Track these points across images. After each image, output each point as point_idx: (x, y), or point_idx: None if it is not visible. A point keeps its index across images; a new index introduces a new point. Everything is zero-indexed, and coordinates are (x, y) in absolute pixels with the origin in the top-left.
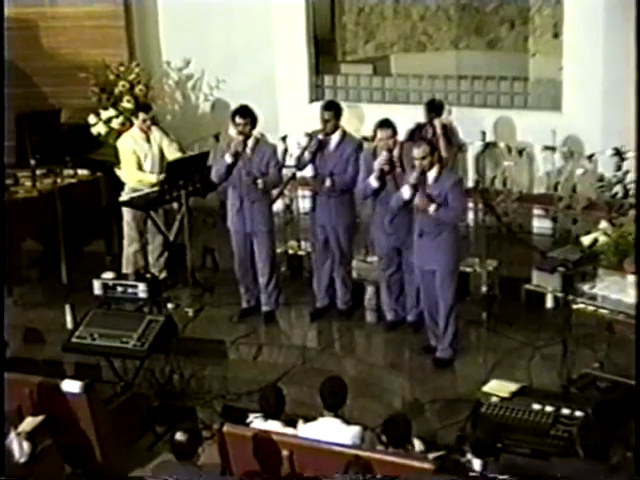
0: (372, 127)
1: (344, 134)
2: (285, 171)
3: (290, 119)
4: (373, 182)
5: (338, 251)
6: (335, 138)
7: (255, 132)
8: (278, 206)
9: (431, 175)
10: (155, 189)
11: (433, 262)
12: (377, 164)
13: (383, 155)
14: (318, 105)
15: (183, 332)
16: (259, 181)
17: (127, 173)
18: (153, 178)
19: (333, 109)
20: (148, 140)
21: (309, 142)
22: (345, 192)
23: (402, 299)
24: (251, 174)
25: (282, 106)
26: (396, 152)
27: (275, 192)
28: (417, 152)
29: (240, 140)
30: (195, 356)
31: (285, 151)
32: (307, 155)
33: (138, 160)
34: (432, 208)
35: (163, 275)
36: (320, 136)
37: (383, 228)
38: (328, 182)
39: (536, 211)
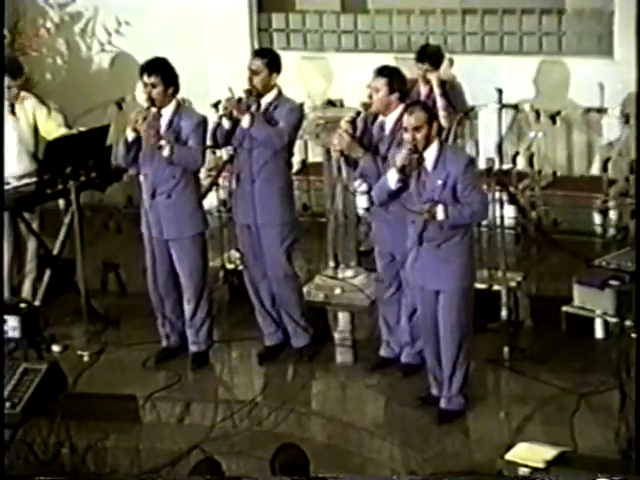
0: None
1: (279, 96)
2: (219, 152)
3: (224, 78)
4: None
5: (272, 264)
6: (266, 100)
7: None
8: (211, 202)
9: (430, 155)
10: (29, 180)
11: (437, 280)
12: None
13: (350, 114)
14: None
15: (75, 385)
16: (163, 142)
17: None
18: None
19: (266, 57)
20: (13, 112)
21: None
22: (277, 174)
23: (398, 331)
24: (164, 159)
25: (213, 60)
26: (392, 118)
27: (205, 182)
28: (409, 121)
29: (146, 108)
30: (93, 420)
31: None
32: (225, 124)
33: None
34: (440, 213)
35: (37, 303)
36: (242, 95)
37: (383, 227)
38: (246, 122)
39: (577, 201)
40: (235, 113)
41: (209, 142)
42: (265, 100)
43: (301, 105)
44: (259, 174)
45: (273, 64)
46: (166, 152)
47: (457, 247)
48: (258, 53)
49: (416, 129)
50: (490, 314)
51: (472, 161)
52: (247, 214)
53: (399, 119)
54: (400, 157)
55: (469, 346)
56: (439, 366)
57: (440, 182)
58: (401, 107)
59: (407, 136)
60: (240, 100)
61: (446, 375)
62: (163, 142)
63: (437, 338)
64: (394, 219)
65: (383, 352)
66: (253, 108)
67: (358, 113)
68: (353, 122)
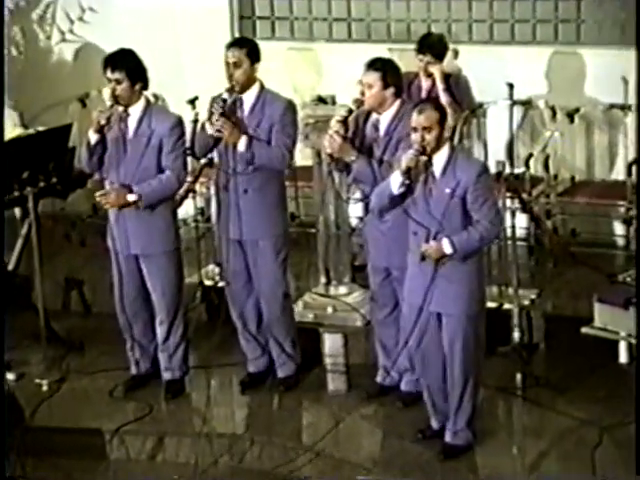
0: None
1: (263, 90)
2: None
3: (202, 71)
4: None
5: (264, 281)
6: (250, 97)
7: (147, 93)
8: (186, 210)
9: (438, 160)
10: None
11: (442, 302)
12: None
13: (341, 112)
14: None
15: (33, 418)
16: (134, 187)
17: None
18: None
19: (245, 46)
20: None
21: (210, 108)
22: (270, 183)
23: (396, 355)
24: (131, 164)
25: (188, 51)
26: (387, 117)
27: (170, 194)
28: (418, 120)
29: (106, 107)
30: (54, 457)
31: (195, 122)
32: (209, 130)
33: None
34: (447, 247)
35: None
36: (226, 95)
37: (378, 238)
38: (242, 145)
39: (598, 209)
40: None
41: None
42: (249, 96)
43: (291, 101)
44: (251, 183)
45: (253, 54)
46: (132, 197)
47: (464, 266)
48: (235, 43)
49: (426, 129)
50: (500, 336)
51: (486, 170)
52: (236, 227)
53: (395, 117)
54: (406, 158)
55: (479, 376)
56: (442, 395)
57: (448, 191)
58: (397, 104)
59: (416, 136)
60: (225, 101)
61: (452, 407)
62: (133, 197)
63: (438, 365)
64: (390, 229)
65: (380, 379)
66: (230, 101)
67: (350, 111)
68: (345, 121)
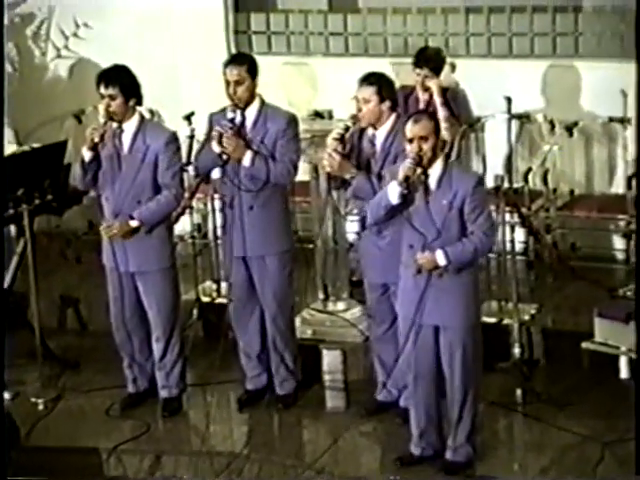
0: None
1: (264, 105)
2: (192, 170)
3: (198, 86)
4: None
5: (270, 297)
6: (252, 113)
7: (142, 109)
8: (183, 227)
9: (434, 172)
10: None
11: (438, 314)
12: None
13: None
14: None
15: (29, 438)
16: (135, 213)
17: None
18: None
19: (244, 63)
20: None
21: (210, 126)
22: (275, 199)
23: (396, 372)
24: (127, 181)
25: (184, 66)
26: (384, 131)
27: (170, 213)
28: (413, 130)
29: (101, 124)
30: (50, 477)
31: (191, 138)
32: (216, 149)
33: None
34: (441, 259)
35: None
36: (231, 114)
37: (375, 254)
38: (247, 160)
39: (598, 223)
40: (230, 143)
41: (184, 160)
42: (250, 112)
43: (294, 116)
44: (256, 199)
45: (254, 70)
46: (134, 223)
47: (460, 278)
48: (235, 61)
49: (422, 139)
50: (500, 352)
51: (481, 181)
52: (241, 244)
53: (391, 131)
54: (404, 168)
55: (479, 388)
56: (436, 414)
57: (445, 202)
58: (393, 118)
59: (412, 147)
60: (233, 120)
61: (452, 423)
62: (135, 223)
63: (431, 381)
64: (388, 245)
65: (379, 396)
66: (238, 120)
67: (347, 128)
68: (342, 139)
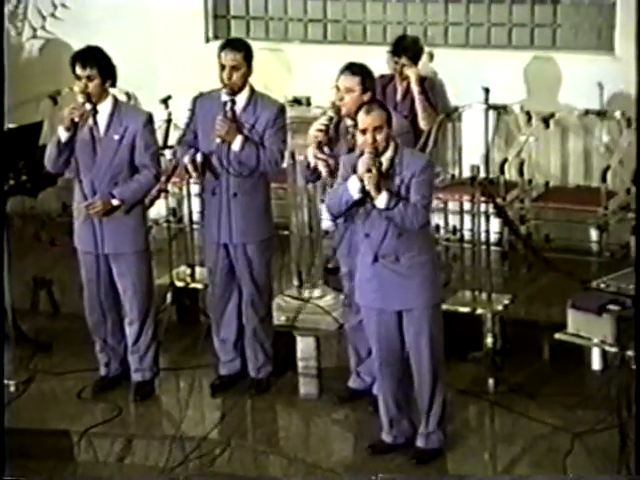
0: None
1: (254, 93)
2: (168, 154)
3: (176, 70)
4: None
5: (249, 284)
6: (242, 99)
7: (114, 90)
8: (158, 211)
9: (386, 158)
10: None
11: (400, 299)
12: (312, 129)
13: (326, 115)
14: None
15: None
16: (115, 192)
17: None
18: None
19: (242, 49)
20: None
21: (193, 109)
22: (258, 187)
23: (371, 360)
24: (103, 162)
25: (161, 49)
26: (324, 121)
27: (149, 192)
28: (366, 120)
29: (79, 104)
30: (21, 459)
31: (168, 122)
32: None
33: None
34: (383, 199)
35: None
36: (225, 96)
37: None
38: (237, 144)
39: (572, 215)
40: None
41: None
42: (241, 98)
43: (283, 105)
44: (241, 187)
45: (249, 57)
46: (115, 201)
47: (417, 259)
48: (230, 45)
49: (376, 129)
50: (473, 341)
51: (430, 164)
52: (224, 231)
53: None
54: (363, 162)
55: (445, 373)
56: (405, 402)
57: (396, 184)
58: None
59: (367, 138)
60: (233, 102)
61: (422, 410)
62: (116, 202)
63: (400, 369)
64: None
65: (352, 383)
66: (228, 106)
67: (331, 118)
68: (327, 130)
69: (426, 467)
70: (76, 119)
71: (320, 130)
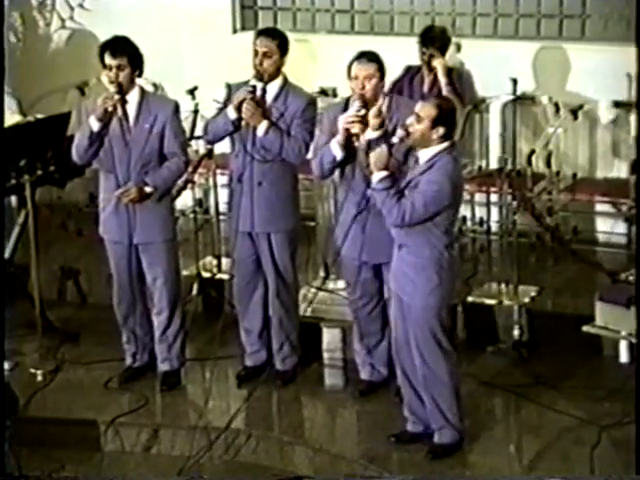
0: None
1: (286, 83)
2: (195, 145)
3: (202, 61)
4: (335, 149)
5: (274, 275)
6: (273, 88)
7: (142, 81)
8: (185, 201)
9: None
10: None
11: (408, 288)
12: (343, 121)
13: (355, 106)
14: (247, 37)
15: (27, 408)
16: (148, 179)
17: None
18: None
19: (277, 37)
20: None
21: (228, 96)
22: (284, 177)
23: (382, 350)
24: (134, 152)
25: (188, 40)
26: (380, 105)
27: (179, 180)
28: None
29: (112, 94)
30: (48, 448)
31: (195, 113)
32: (230, 115)
33: None
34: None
35: None
36: (253, 83)
37: (350, 232)
38: (262, 129)
39: (600, 207)
40: (249, 109)
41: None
42: (272, 88)
43: (314, 98)
44: (265, 175)
45: (284, 47)
46: (148, 189)
47: (424, 249)
48: (266, 33)
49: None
50: (500, 333)
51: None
52: (248, 219)
53: (386, 112)
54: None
55: (454, 366)
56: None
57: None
58: (385, 98)
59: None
60: (254, 88)
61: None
62: (149, 189)
63: (411, 358)
64: (371, 225)
65: (369, 376)
66: (259, 93)
67: (363, 106)
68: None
69: (449, 460)
70: (110, 109)
71: (353, 122)
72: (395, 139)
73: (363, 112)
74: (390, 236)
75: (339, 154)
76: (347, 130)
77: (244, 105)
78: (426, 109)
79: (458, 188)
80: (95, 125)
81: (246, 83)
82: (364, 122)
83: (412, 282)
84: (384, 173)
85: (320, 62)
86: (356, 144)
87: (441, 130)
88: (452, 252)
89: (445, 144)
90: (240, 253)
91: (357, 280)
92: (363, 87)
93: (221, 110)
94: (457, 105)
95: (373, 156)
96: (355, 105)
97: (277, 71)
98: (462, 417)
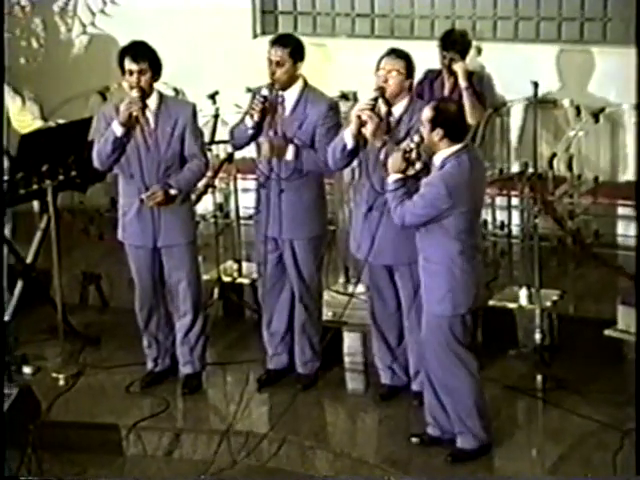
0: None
1: (306, 88)
2: (215, 150)
3: (223, 65)
4: (347, 137)
5: (298, 280)
6: (292, 95)
7: (161, 85)
8: (205, 206)
9: (398, 110)
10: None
11: (424, 294)
12: (355, 109)
13: (372, 95)
14: (268, 42)
15: (49, 412)
16: (171, 182)
17: None
18: None
19: (289, 45)
20: None
21: (251, 102)
22: (307, 183)
23: (403, 354)
24: (155, 156)
25: (209, 45)
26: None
27: (199, 184)
28: (385, 63)
29: (135, 98)
30: (70, 452)
31: (216, 117)
32: (248, 123)
33: None
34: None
35: (7, 318)
36: (266, 91)
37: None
38: (290, 154)
39: (622, 210)
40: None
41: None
42: (291, 94)
43: (334, 102)
44: (288, 183)
45: (297, 52)
46: (173, 190)
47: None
48: (278, 41)
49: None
50: (521, 337)
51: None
52: (274, 225)
53: (405, 111)
54: (358, 107)
55: (472, 369)
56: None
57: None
58: (407, 98)
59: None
60: (265, 97)
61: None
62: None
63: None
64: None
65: (390, 380)
66: (278, 101)
67: (376, 99)
68: (373, 108)
69: (471, 464)
70: (135, 113)
71: (363, 109)
72: (411, 144)
73: (374, 103)
74: (400, 239)
75: (350, 142)
76: (359, 118)
77: (262, 144)
78: (425, 112)
79: (460, 191)
80: (119, 130)
81: (256, 92)
82: (377, 114)
83: (425, 287)
84: (397, 176)
85: (340, 66)
86: (369, 144)
87: (440, 132)
88: (469, 260)
89: (454, 148)
90: (264, 256)
91: (375, 284)
92: (386, 80)
93: (245, 115)
94: (473, 109)
95: (390, 159)
96: (372, 95)
97: (292, 78)
98: (486, 425)
